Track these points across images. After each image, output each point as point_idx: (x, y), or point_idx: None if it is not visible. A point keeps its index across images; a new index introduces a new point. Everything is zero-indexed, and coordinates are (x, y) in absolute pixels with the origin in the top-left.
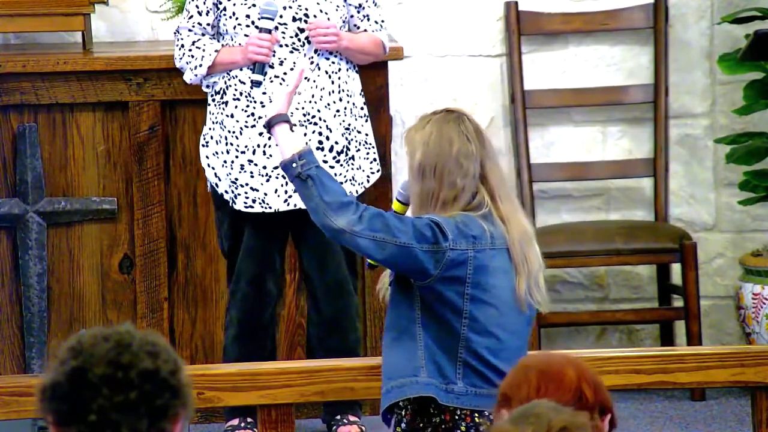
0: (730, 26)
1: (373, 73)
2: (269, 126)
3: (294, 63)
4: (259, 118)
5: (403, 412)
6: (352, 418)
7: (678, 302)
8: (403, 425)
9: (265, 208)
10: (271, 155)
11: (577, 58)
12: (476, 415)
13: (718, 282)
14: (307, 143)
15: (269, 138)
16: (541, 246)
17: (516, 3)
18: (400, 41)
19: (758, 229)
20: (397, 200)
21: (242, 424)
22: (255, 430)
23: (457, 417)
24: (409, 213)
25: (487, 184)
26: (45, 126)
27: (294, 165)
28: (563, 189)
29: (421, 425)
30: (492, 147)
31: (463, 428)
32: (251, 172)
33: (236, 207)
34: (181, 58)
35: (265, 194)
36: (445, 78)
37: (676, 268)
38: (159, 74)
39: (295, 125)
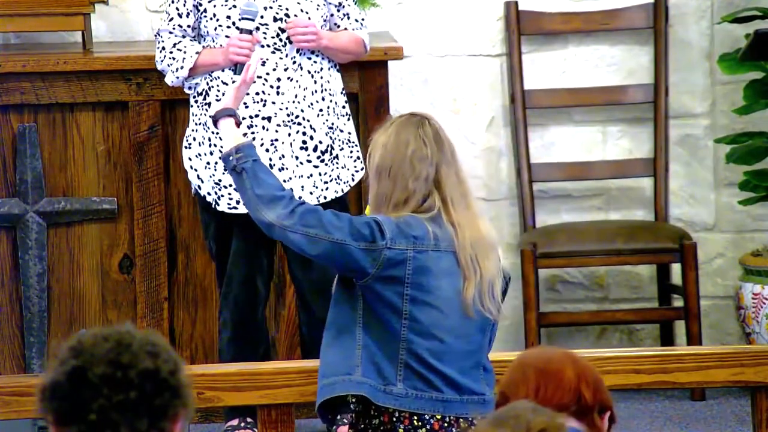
0: (730, 26)
1: (373, 73)
2: (215, 120)
3: (276, 63)
4: (243, 119)
5: (351, 414)
6: None
7: (678, 302)
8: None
9: None
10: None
11: (577, 58)
12: (415, 417)
13: (718, 282)
14: (245, 135)
15: (253, 139)
16: (541, 246)
17: (516, 3)
18: (400, 41)
19: (758, 229)
20: (369, 205)
21: (242, 424)
22: (255, 430)
23: (395, 419)
24: None
25: (441, 189)
26: (45, 126)
27: (231, 158)
28: (563, 189)
29: (362, 426)
30: (453, 152)
31: (401, 430)
32: None
33: (219, 208)
34: (162, 61)
35: None
36: (445, 78)
37: (676, 268)
38: (159, 74)
39: (279, 125)
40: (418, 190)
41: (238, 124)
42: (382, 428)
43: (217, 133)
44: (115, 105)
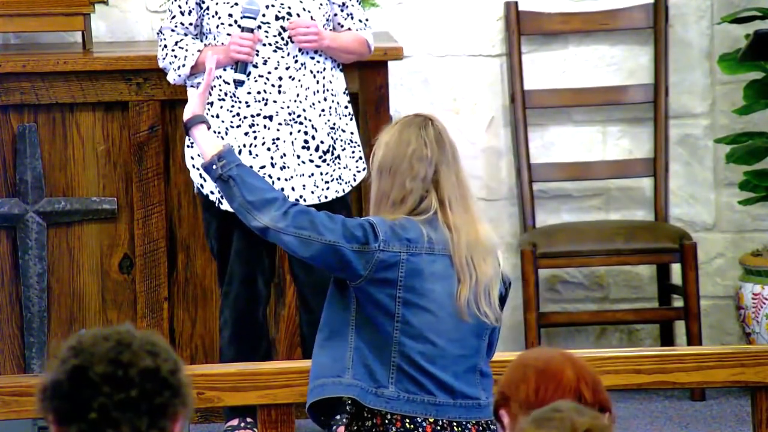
0: (730, 26)
1: (373, 73)
2: (187, 128)
3: (277, 62)
4: (245, 117)
5: (348, 415)
6: None
7: (678, 302)
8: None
9: None
10: (257, 155)
11: (577, 58)
12: (407, 420)
13: (718, 282)
14: (226, 143)
15: (255, 138)
16: (541, 246)
17: (516, 3)
18: (400, 41)
19: (758, 229)
20: (370, 203)
21: (242, 424)
22: (255, 430)
23: (387, 421)
24: None
25: (439, 190)
26: (45, 126)
27: (214, 167)
28: (563, 189)
29: (355, 428)
30: (454, 154)
31: None
32: None
33: (223, 207)
34: (164, 59)
35: None
36: (445, 78)
37: (676, 268)
38: (159, 74)
39: (280, 124)
40: (415, 190)
41: (208, 128)
42: (374, 430)
43: (218, 132)
44: (115, 105)
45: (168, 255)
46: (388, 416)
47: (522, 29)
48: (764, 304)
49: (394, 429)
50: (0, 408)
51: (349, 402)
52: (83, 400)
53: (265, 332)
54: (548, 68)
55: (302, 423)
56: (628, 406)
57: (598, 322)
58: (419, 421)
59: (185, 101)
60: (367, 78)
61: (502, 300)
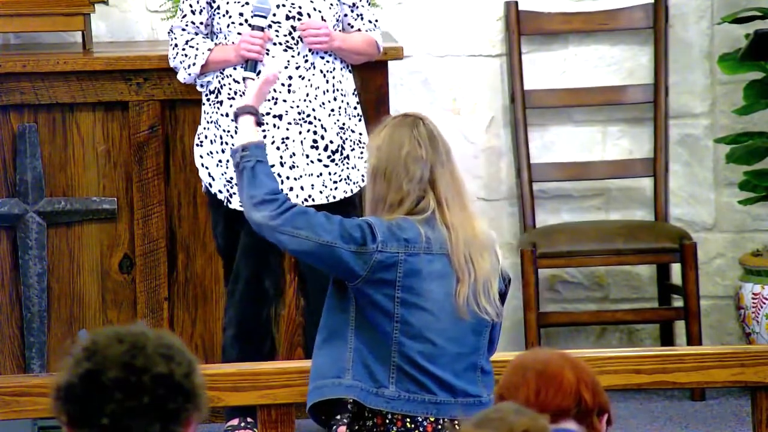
0: (730, 26)
1: (373, 73)
2: (236, 115)
3: (288, 61)
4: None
5: (349, 414)
6: None
7: (678, 302)
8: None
9: None
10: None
11: (577, 58)
12: (408, 420)
13: (718, 282)
14: (261, 140)
15: (264, 137)
16: (541, 246)
17: (516, 3)
18: (400, 41)
19: (758, 229)
20: (366, 207)
21: (242, 424)
22: (255, 430)
23: (387, 421)
24: None
25: (436, 190)
26: (45, 126)
27: (237, 155)
28: (563, 189)
29: (357, 427)
30: (447, 152)
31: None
32: None
33: (231, 206)
34: (174, 58)
35: None
36: (445, 78)
37: (676, 268)
38: (159, 74)
39: (290, 123)
40: (412, 192)
41: (258, 124)
42: (375, 430)
43: (228, 131)
44: (115, 105)
45: (168, 255)
46: (389, 416)
47: (522, 29)
48: (764, 304)
49: (395, 429)
50: (0, 408)
51: (351, 402)
52: (95, 406)
53: (269, 332)
54: (548, 68)
55: (302, 423)
56: (628, 406)
57: (598, 322)
58: (420, 420)
59: (185, 101)
60: (367, 78)
61: (503, 296)
